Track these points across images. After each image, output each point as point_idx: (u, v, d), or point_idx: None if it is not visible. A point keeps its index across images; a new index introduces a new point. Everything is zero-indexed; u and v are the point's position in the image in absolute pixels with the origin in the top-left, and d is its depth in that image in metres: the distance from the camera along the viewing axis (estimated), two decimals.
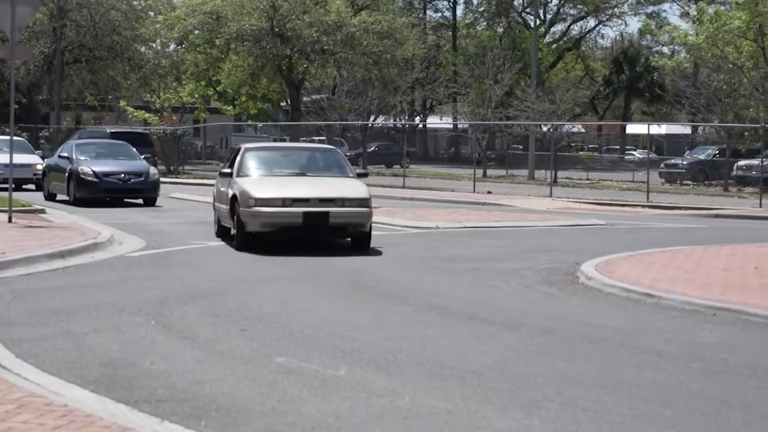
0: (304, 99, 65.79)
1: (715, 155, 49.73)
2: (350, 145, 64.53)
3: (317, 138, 65.48)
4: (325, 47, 58.32)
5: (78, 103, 70.01)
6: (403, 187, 40.89)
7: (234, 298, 12.73)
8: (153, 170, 29.79)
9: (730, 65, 50.76)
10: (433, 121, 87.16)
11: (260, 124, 65.51)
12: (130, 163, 29.91)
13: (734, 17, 50.77)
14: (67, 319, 10.96)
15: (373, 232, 18.50)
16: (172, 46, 69.81)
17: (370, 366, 8.87)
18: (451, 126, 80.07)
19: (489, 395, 7.92)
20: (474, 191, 39.01)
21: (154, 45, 68.21)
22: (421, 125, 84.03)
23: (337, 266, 16.04)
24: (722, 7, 57.72)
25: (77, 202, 28.47)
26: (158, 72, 65.66)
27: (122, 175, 28.79)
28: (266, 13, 57.60)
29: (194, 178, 47.67)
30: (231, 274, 14.93)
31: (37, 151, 38.90)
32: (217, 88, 69.71)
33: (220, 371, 8.64)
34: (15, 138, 40.08)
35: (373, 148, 64.19)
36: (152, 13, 67.21)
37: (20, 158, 34.46)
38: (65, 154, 30.41)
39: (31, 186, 34.96)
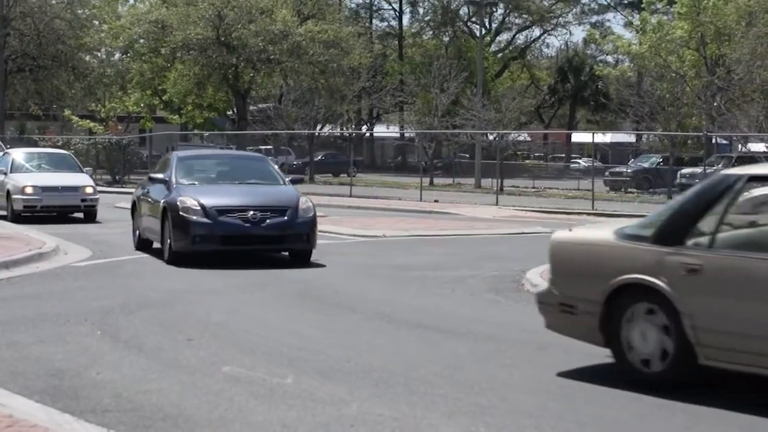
0: (251, 108, 65.63)
1: (658, 163, 50.17)
2: (297, 154, 64.50)
3: (263, 147, 65.41)
4: (272, 56, 58.22)
5: (22, 112, 69.28)
6: (350, 195, 40.88)
7: (181, 307, 12.71)
8: (304, 201, 17.81)
9: (673, 74, 51.23)
10: (380, 130, 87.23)
11: (207, 134, 65.26)
12: (267, 190, 18.14)
13: (677, 27, 51.27)
14: (12, 330, 10.89)
15: (318, 241, 17.94)
16: (117, 55, 69.24)
17: (317, 374, 8.91)
18: (397, 135, 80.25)
19: (435, 402, 7.98)
20: (421, 200, 39.09)
21: (99, 54, 67.64)
22: (368, 134, 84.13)
23: (284, 277, 16.01)
24: (665, 17, 58.20)
25: (174, 258, 17.12)
26: (103, 81, 65.16)
27: (251, 212, 17.08)
28: (212, 22, 57.40)
29: None
30: (178, 284, 14.88)
31: (86, 169, 29.67)
32: (163, 98, 69.38)
33: (167, 381, 8.63)
34: (60, 152, 33.25)
35: (320, 157, 64.17)
36: (97, 22, 66.70)
37: (64, 179, 27.19)
38: (160, 176, 18.78)
39: (80, 215, 27.13)
